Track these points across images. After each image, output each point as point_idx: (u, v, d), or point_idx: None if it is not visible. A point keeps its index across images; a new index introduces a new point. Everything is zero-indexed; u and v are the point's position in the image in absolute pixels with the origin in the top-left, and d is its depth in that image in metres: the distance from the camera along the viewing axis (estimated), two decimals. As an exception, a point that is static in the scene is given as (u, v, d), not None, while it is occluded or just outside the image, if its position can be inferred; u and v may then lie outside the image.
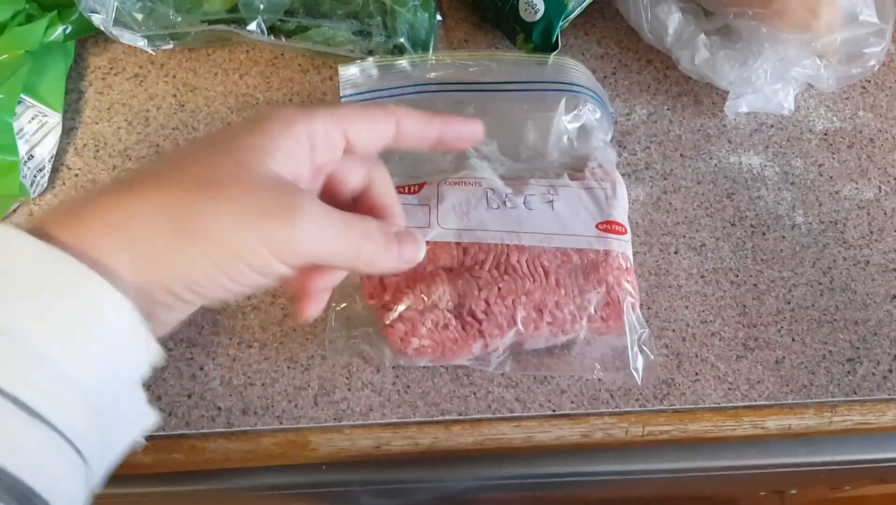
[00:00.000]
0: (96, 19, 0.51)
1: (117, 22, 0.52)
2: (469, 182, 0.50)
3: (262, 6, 0.52)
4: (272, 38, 0.52)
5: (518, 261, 0.48)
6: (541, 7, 0.56)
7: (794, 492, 0.75)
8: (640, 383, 0.49)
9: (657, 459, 0.58)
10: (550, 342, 0.49)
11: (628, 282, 0.48)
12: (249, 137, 0.32)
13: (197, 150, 0.33)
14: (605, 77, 0.60)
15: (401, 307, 0.47)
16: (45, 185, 0.54)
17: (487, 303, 0.47)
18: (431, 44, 0.56)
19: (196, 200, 0.30)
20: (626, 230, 0.50)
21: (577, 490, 0.68)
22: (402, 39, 0.54)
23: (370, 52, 0.55)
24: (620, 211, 0.50)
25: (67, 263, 0.28)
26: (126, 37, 0.52)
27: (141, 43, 0.53)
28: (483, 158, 0.51)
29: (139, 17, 0.51)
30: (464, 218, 0.49)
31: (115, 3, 0.50)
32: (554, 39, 0.56)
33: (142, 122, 0.57)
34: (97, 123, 0.57)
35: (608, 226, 0.49)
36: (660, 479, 0.61)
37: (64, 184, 0.55)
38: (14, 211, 0.54)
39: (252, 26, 0.52)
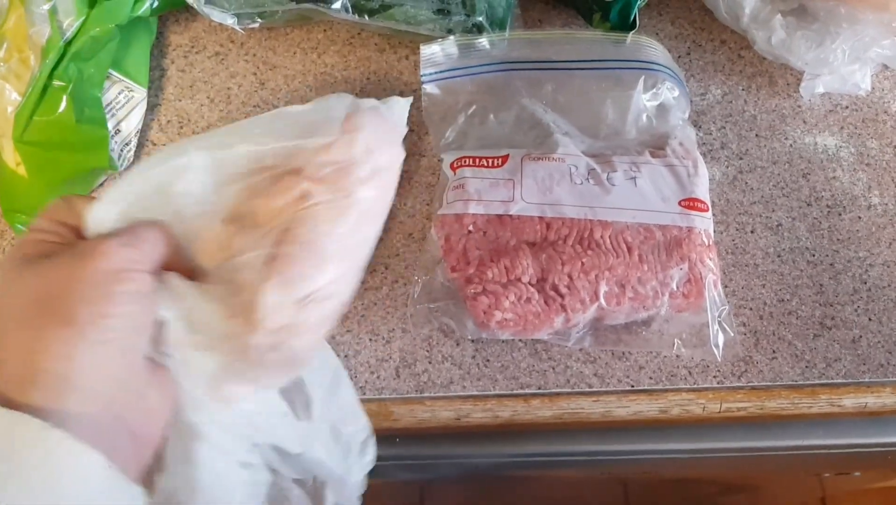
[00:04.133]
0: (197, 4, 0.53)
1: (208, 0, 0.53)
2: (552, 158, 0.50)
3: None
4: (356, 16, 0.53)
5: (601, 236, 0.48)
6: (618, -13, 0.56)
7: (857, 474, 0.75)
8: (720, 360, 0.49)
9: (726, 438, 0.59)
10: (631, 318, 0.50)
11: (710, 259, 0.49)
12: None
13: None
14: (679, 57, 0.60)
15: (484, 281, 0.48)
16: (132, 159, 0.55)
17: (570, 277, 0.48)
18: (508, 23, 0.56)
19: None
20: (707, 207, 0.50)
21: (631, 467, 0.69)
22: (480, 18, 0.55)
23: (449, 31, 0.55)
24: (702, 189, 0.50)
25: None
26: (216, 14, 0.53)
27: (231, 21, 0.54)
28: (565, 134, 0.52)
29: None
30: (547, 193, 0.49)
31: None
32: (632, 19, 0.56)
33: (223, 100, 0.58)
34: (180, 100, 0.58)
35: (691, 203, 0.49)
36: (724, 458, 0.61)
37: (149, 159, 0.56)
38: (102, 184, 0.55)
39: (336, 5, 0.53)
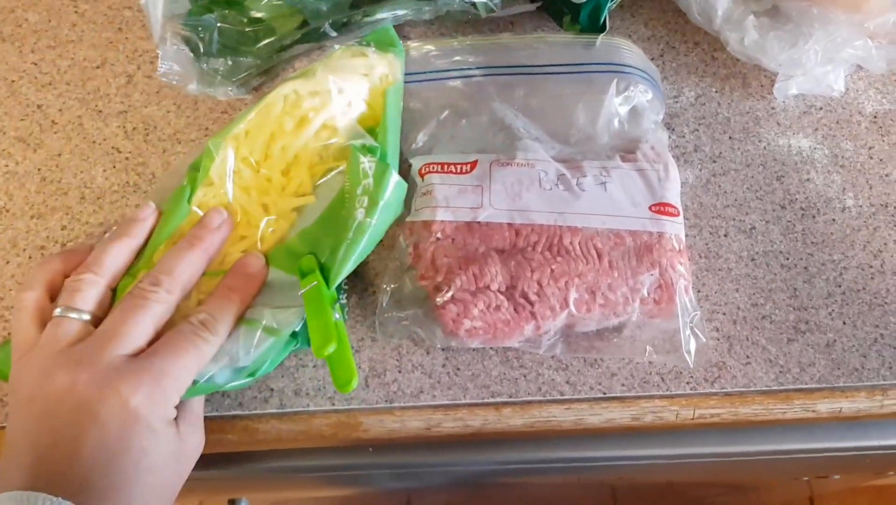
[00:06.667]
0: (190, 88, 0.53)
1: (210, 83, 0.53)
2: (521, 163, 0.50)
3: (325, 7, 0.52)
4: (337, 33, 0.53)
5: (571, 242, 0.48)
6: (589, -12, 0.56)
7: (837, 477, 0.75)
8: (692, 366, 0.49)
9: (702, 444, 0.58)
10: (602, 324, 0.49)
11: (681, 264, 0.48)
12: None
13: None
14: (652, 59, 0.59)
15: (453, 288, 0.47)
16: None
17: (540, 284, 0.47)
18: None
19: None
20: (678, 212, 0.49)
21: (612, 473, 0.69)
22: None
23: (445, 16, 0.55)
24: (673, 193, 0.50)
25: None
26: (220, 92, 0.54)
27: (237, 91, 0.55)
28: (534, 140, 0.51)
29: (222, 70, 0.53)
30: (516, 199, 0.49)
31: (196, 70, 0.53)
32: (602, 21, 0.55)
33: (190, 106, 0.57)
34: (146, 107, 0.57)
35: (661, 207, 0.49)
36: (701, 463, 0.61)
37: (115, 167, 0.55)
38: (66, 193, 0.54)
39: (327, 30, 0.52)
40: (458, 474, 0.64)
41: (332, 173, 0.47)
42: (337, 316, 0.43)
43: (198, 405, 0.46)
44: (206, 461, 0.57)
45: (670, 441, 0.58)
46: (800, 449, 0.59)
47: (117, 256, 0.45)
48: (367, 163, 0.45)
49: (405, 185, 0.45)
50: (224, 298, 0.44)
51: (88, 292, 0.43)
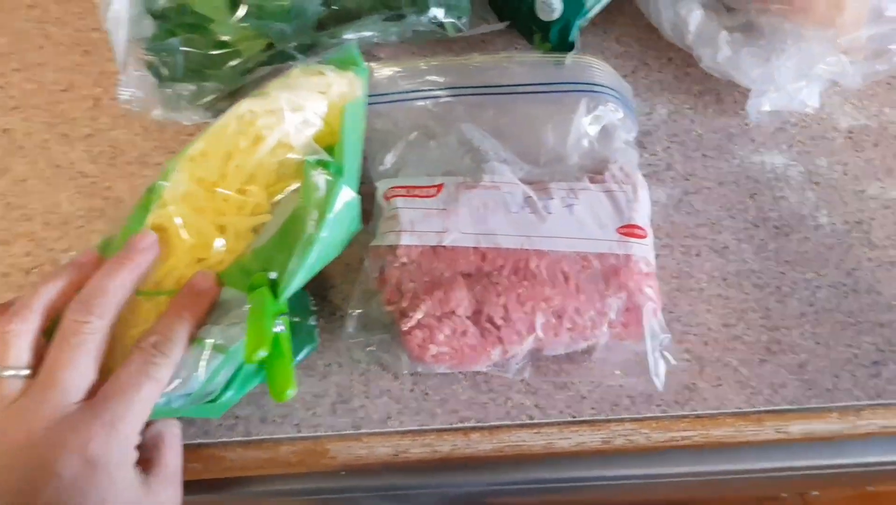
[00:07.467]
0: (155, 114, 0.52)
1: (175, 108, 0.52)
2: (488, 186, 0.49)
3: (290, 30, 0.52)
4: (312, 57, 0.52)
5: (537, 266, 0.47)
6: (558, 6, 0.55)
7: (816, 493, 0.75)
8: (660, 389, 0.48)
9: (679, 463, 0.58)
10: (570, 348, 0.49)
11: (650, 287, 0.48)
12: None
13: None
14: (625, 76, 0.59)
15: (418, 314, 0.47)
16: None
17: (506, 309, 0.47)
18: (468, 8, 0.55)
19: None
20: (647, 234, 0.49)
21: (594, 494, 0.68)
22: (434, 9, 0.53)
23: (412, 35, 0.54)
24: (642, 214, 0.49)
25: None
26: (185, 116, 0.54)
27: (195, 117, 0.54)
28: (502, 162, 0.51)
29: (187, 94, 0.52)
30: (482, 222, 0.48)
31: (160, 95, 0.52)
32: (571, 39, 0.55)
33: (157, 129, 0.56)
34: (113, 130, 0.57)
35: (629, 230, 0.48)
36: (680, 482, 0.60)
37: (80, 192, 0.55)
38: (32, 219, 0.54)
39: (293, 52, 0.52)
40: (449, 495, 0.63)
41: (289, 190, 0.47)
42: (280, 328, 0.43)
43: (173, 460, 0.44)
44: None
45: (644, 461, 0.57)
46: (777, 467, 0.58)
47: (45, 297, 0.43)
48: (318, 176, 0.44)
49: (358, 198, 0.45)
50: (175, 317, 0.43)
51: (18, 346, 0.41)
